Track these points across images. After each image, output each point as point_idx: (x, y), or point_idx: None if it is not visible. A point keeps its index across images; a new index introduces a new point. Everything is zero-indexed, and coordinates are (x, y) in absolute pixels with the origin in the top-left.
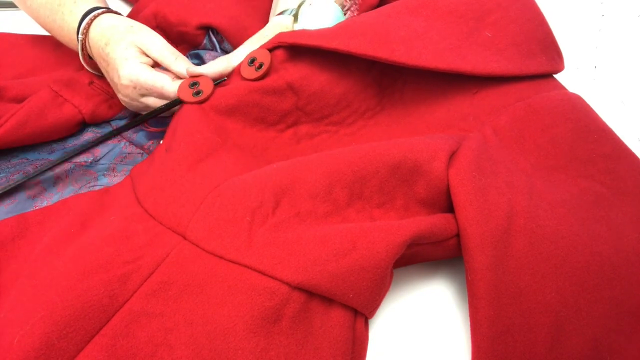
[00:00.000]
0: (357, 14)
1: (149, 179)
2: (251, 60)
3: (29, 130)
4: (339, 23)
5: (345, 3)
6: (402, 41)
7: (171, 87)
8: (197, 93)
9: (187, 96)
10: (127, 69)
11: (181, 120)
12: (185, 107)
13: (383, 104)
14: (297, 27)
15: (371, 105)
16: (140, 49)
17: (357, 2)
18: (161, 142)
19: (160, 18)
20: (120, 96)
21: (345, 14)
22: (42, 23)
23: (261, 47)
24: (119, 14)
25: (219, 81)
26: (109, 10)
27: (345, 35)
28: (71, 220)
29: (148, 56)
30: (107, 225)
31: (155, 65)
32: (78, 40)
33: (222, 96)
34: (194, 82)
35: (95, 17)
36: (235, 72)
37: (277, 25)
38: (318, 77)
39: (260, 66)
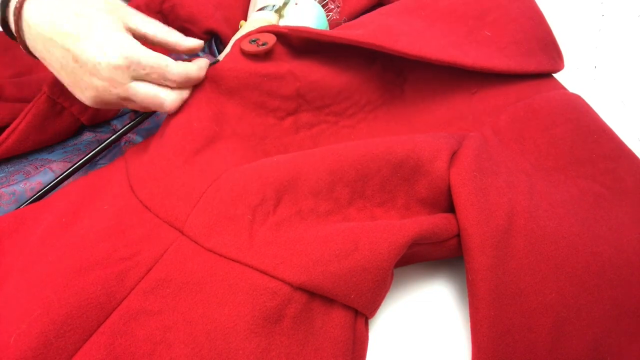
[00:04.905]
0: (340, 18)
1: (143, 168)
2: (252, 40)
3: (30, 143)
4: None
5: (329, 5)
6: (404, 34)
7: (176, 67)
8: None
9: None
10: (118, 43)
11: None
12: None
13: (384, 98)
14: (282, 23)
15: (372, 98)
16: (126, 25)
17: (339, 5)
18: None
19: (168, 5)
20: (93, 86)
21: (327, 17)
22: None
23: (262, 29)
24: None
25: (214, 62)
26: None
27: (347, 29)
28: (64, 209)
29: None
30: (101, 217)
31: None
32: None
33: (223, 76)
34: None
35: None
36: (234, 52)
37: (259, 20)
38: (319, 68)
39: (264, 44)
